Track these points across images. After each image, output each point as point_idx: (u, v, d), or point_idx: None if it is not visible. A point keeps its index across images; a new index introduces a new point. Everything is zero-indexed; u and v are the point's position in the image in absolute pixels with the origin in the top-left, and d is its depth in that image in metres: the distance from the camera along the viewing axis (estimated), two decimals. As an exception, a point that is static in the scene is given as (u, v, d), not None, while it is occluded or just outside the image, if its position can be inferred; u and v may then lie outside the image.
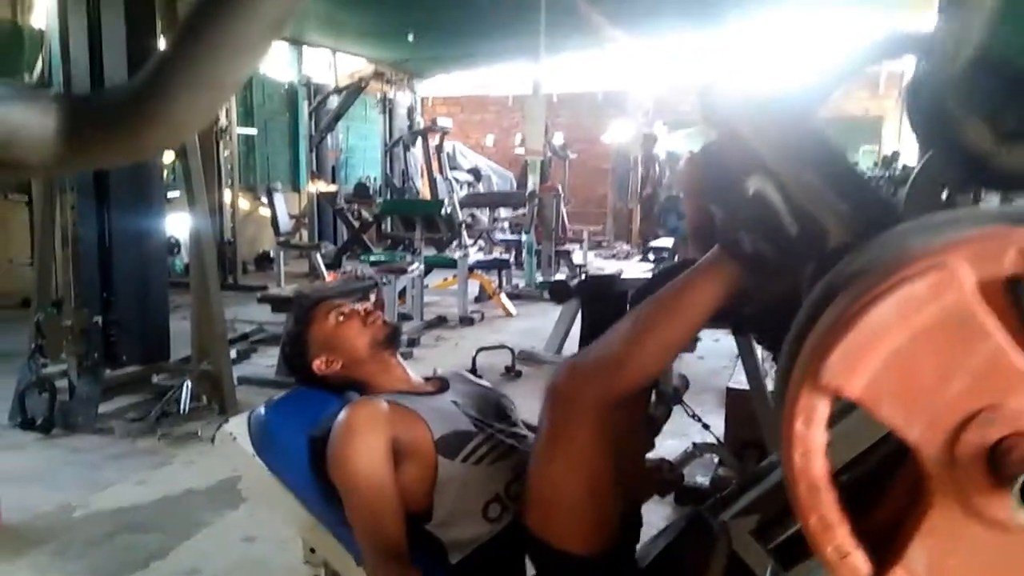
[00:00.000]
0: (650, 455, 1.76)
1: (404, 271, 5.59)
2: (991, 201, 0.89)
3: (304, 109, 10.30)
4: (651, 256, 6.59)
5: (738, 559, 1.00)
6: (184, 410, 3.75)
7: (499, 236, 9.14)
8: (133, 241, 4.02)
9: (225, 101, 0.47)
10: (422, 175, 10.93)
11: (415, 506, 1.42)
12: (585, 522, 1.22)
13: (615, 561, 1.27)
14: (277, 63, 10.14)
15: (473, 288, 6.86)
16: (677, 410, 2.05)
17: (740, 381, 2.86)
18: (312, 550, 1.61)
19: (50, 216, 3.88)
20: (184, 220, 4.64)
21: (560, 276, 7.04)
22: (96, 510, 2.76)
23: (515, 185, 11.22)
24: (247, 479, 1.70)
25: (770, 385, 2.39)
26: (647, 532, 1.48)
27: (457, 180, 10.16)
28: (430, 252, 6.80)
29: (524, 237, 8.02)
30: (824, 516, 0.62)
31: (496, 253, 8.21)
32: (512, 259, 8.22)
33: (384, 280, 5.22)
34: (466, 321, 6.17)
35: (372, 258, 6.73)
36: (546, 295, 6.13)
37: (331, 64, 10.86)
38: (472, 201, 9.19)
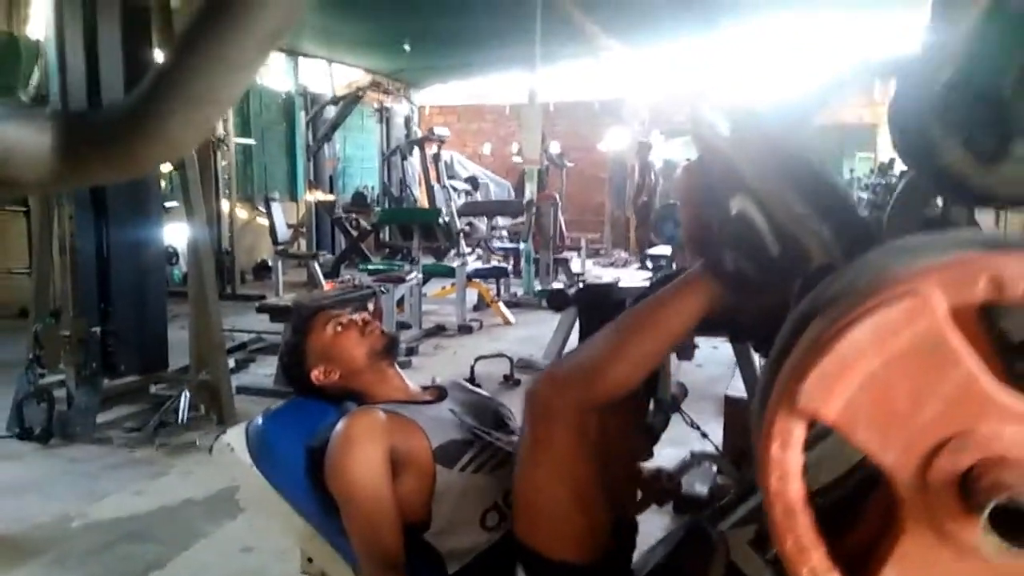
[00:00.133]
0: (648, 464, 1.76)
1: (402, 280, 5.59)
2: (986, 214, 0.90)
3: (301, 119, 10.32)
4: (649, 264, 6.59)
5: (736, 569, 1.00)
6: (182, 420, 3.75)
7: (497, 244, 9.15)
8: (131, 251, 4.02)
9: (220, 117, 0.48)
10: (420, 184, 10.94)
11: (413, 515, 1.43)
12: (572, 529, 1.22)
13: (608, 569, 1.27)
14: (274, 73, 10.16)
15: (471, 296, 6.86)
16: (675, 418, 2.05)
17: (738, 389, 2.87)
18: (310, 560, 1.61)
19: (48, 226, 3.89)
20: (182, 230, 4.64)
21: (558, 284, 7.04)
22: (94, 520, 2.75)
23: (513, 194, 11.24)
24: (245, 489, 1.70)
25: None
26: (646, 541, 1.48)
27: (455, 189, 10.17)
28: (428, 261, 6.81)
29: (522, 245, 8.03)
30: (800, 538, 0.62)
31: (494, 261, 8.22)
32: (510, 267, 8.23)
33: (382, 289, 5.22)
34: (464, 329, 6.17)
35: (370, 267, 6.74)
36: (544, 303, 6.13)
37: (328, 74, 10.89)
38: (470, 210, 9.20)
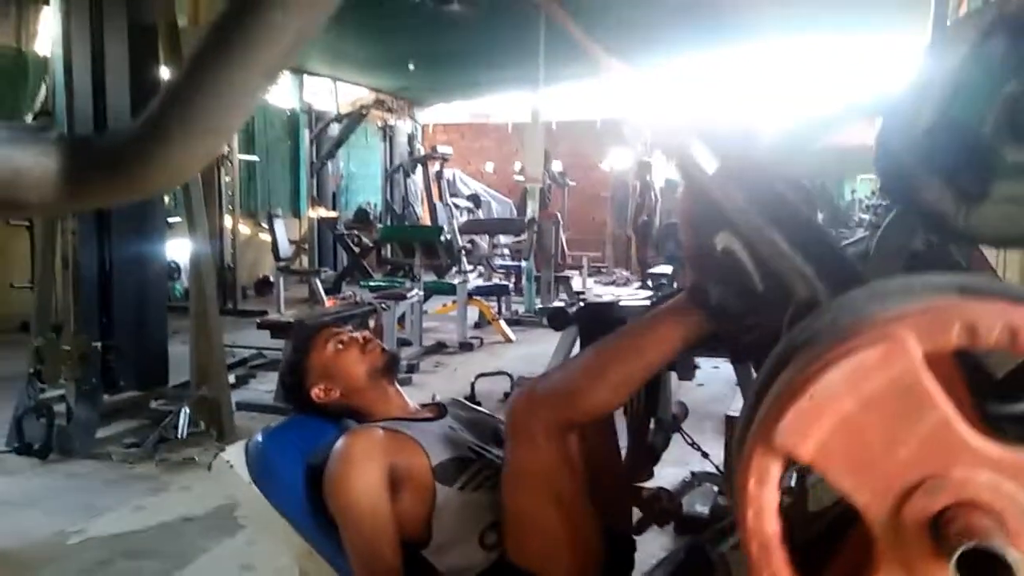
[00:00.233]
0: (648, 483, 1.76)
1: (403, 297, 5.60)
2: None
3: (305, 136, 10.38)
4: (650, 283, 6.59)
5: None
6: (182, 436, 3.73)
7: (498, 262, 9.17)
8: (133, 266, 4.03)
9: (225, 143, 0.49)
10: (422, 202, 10.99)
11: (412, 532, 1.42)
12: (559, 546, 1.22)
13: None
14: (279, 91, 10.23)
15: (472, 314, 6.86)
16: (676, 438, 2.05)
17: (739, 409, 2.86)
18: (308, 578, 1.60)
19: (51, 241, 3.90)
20: (184, 245, 4.66)
21: (559, 303, 7.05)
22: (93, 536, 2.74)
23: (514, 212, 11.28)
24: (244, 507, 1.69)
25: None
26: (646, 562, 1.47)
27: (457, 207, 10.21)
28: (430, 278, 6.81)
29: (523, 263, 8.04)
30: (775, 574, 0.63)
31: (495, 279, 8.22)
32: (511, 285, 8.23)
33: (383, 306, 5.23)
34: (465, 347, 6.17)
35: (372, 284, 6.75)
36: (545, 321, 6.13)
37: (332, 92, 10.97)
38: (472, 228, 9.23)
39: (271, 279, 8.78)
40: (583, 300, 2.41)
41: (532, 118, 8.07)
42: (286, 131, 10.67)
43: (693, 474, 2.93)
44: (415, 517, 1.42)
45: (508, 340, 6.57)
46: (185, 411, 3.79)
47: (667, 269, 6.56)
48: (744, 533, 0.64)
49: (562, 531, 1.22)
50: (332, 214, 9.93)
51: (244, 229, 9.19)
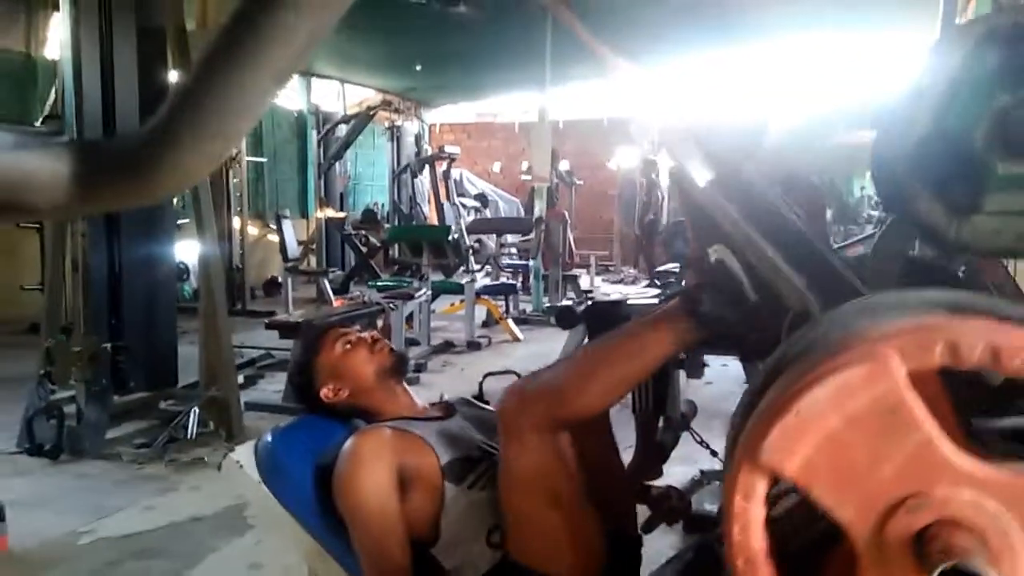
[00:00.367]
0: (657, 482, 1.75)
1: (411, 296, 5.60)
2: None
3: (313, 137, 10.40)
4: (657, 281, 6.58)
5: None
6: (191, 436, 3.76)
7: (506, 262, 9.17)
8: (142, 268, 4.05)
9: (234, 147, 0.49)
10: (429, 201, 11.00)
11: (421, 531, 1.43)
12: (559, 545, 1.23)
13: None
14: (286, 93, 10.26)
15: (480, 313, 6.86)
16: (685, 436, 2.05)
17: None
18: (318, 578, 1.61)
19: (61, 243, 3.92)
20: (193, 246, 4.67)
21: (567, 301, 7.04)
22: (103, 536, 2.76)
23: (522, 211, 11.27)
24: (254, 507, 1.70)
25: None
26: (655, 560, 1.47)
27: (464, 206, 10.21)
28: (437, 277, 6.82)
29: (531, 262, 8.04)
30: None
31: (503, 278, 8.22)
32: (519, 284, 8.23)
33: (391, 305, 5.24)
34: (473, 346, 6.17)
35: (379, 283, 6.76)
36: (553, 320, 6.12)
37: (340, 93, 10.99)
38: (479, 227, 9.23)
39: (279, 280, 8.80)
40: (591, 299, 2.41)
41: (539, 117, 8.05)
42: (294, 132, 10.70)
43: (702, 472, 2.93)
44: (424, 516, 1.43)
45: (516, 339, 6.57)
46: (194, 411, 3.81)
47: (675, 267, 6.55)
48: (730, 548, 0.64)
49: (560, 529, 1.23)
50: (340, 215, 9.95)
51: (252, 230, 9.22)
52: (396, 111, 11.29)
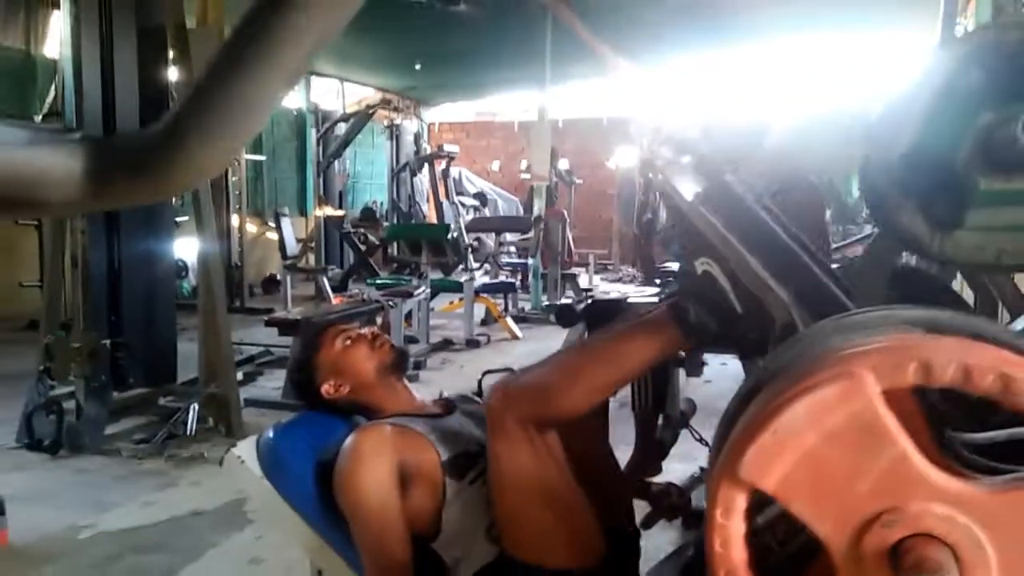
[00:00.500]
0: (657, 479, 1.76)
1: (410, 294, 5.61)
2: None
3: (312, 136, 10.40)
4: (657, 280, 6.59)
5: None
6: (191, 432, 3.76)
7: (505, 260, 9.18)
8: (141, 264, 4.05)
9: (244, 145, 0.49)
10: (428, 200, 10.99)
11: (422, 527, 1.44)
12: (552, 537, 1.24)
13: (605, 571, 1.28)
14: (286, 90, 10.24)
15: (479, 311, 6.87)
16: (684, 434, 2.06)
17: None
18: (320, 572, 1.61)
19: (60, 240, 3.93)
20: (192, 244, 4.68)
21: (566, 300, 7.05)
22: (103, 531, 2.76)
23: (521, 210, 11.27)
24: (255, 501, 1.70)
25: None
26: (656, 556, 1.48)
27: (463, 205, 10.21)
28: (436, 276, 6.82)
29: (530, 261, 8.05)
30: None
31: (502, 277, 8.23)
32: (518, 283, 8.24)
33: (390, 303, 5.24)
34: (472, 344, 6.18)
35: (378, 281, 6.76)
36: (552, 318, 6.12)
37: (339, 92, 10.98)
38: (478, 225, 9.23)
39: (278, 277, 8.80)
40: (591, 297, 2.42)
41: (539, 116, 8.06)
42: (293, 131, 10.70)
43: (702, 469, 2.93)
44: (425, 511, 1.44)
45: (515, 337, 6.58)
46: (194, 408, 3.81)
47: (673, 267, 6.55)
48: (712, 561, 0.66)
49: (553, 523, 1.24)
50: (339, 213, 9.94)
51: (251, 228, 9.22)
52: (395, 109, 11.29)
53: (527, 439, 1.21)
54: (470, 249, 7.44)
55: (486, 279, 7.75)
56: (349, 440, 1.47)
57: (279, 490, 1.56)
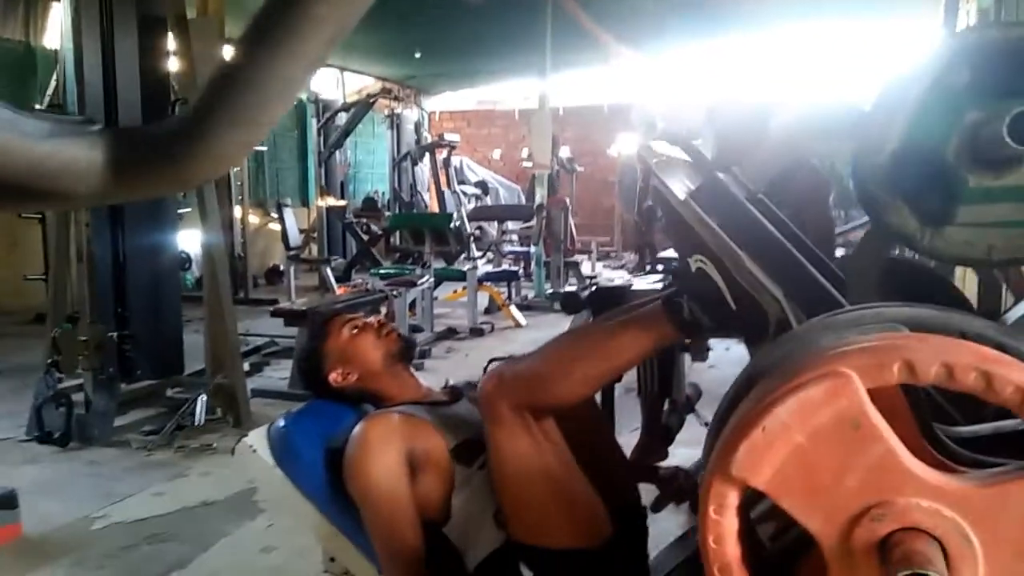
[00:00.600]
0: (664, 463, 1.78)
1: (414, 284, 5.62)
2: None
3: (313, 126, 10.36)
4: (659, 267, 6.59)
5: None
6: (199, 423, 3.78)
7: (507, 248, 9.18)
8: (146, 257, 4.07)
9: (264, 136, 0.49)
10: (430, 189, 10.98)
11: (432, 513, 1.45)
12: (556, 519, 1.26)
13: (615, 553, 1.30)
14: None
15: (483, 300, 6.88)
16: (690, 419, 2.07)
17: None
18: (332, 559, 1.63)
19: (65, 233, 3.94)
20: (195, 236, 4.68)
21: (571, 287, 7.05)
22: (114, 522, 2.79)
23: (523, 198, 11.26)
24: (267, 490, 1.72)
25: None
26: (664, 539, 1.50)
27: (465, 194, 10.21)
28: (439, 265, 6.83)
29: (532, 249, 8.05)
30: None
31: (505, 265, 8.23)
32: (521, 271, 8.25)
33: (394, 293, 5.26)
34: (476, 332, 6.20)
35: (382, 271, 6.77)
36: (556, 306, 6.14)
37: (339, 81, 10.95)
38: (480, 214, 9.23)
39: (281, 268, 8.82)
40: (595, 284, 2.43)
41: (540, 104, 8.04)
42: (294, 121, 10.67)
43: (706, 455, 2.95)
44: (435, 498, 1.45)
45: (518, 325, 6.60)
46: (202, 398, 3.83)
47: (673, 254, 6.54)
48: (705, 557, 0.68)
49: (555, 506, 1.26)
50: (341, 203, 9.94)
51: (253, 219, 9.23)
52: (396, 99, 11.24)
53: (523, 425, 1.23)
54: (472, 238, 7.44)
55: (489, 268, 7.76)
56: (358, 428, 1.48)
57: (291, 478, 1.58)
